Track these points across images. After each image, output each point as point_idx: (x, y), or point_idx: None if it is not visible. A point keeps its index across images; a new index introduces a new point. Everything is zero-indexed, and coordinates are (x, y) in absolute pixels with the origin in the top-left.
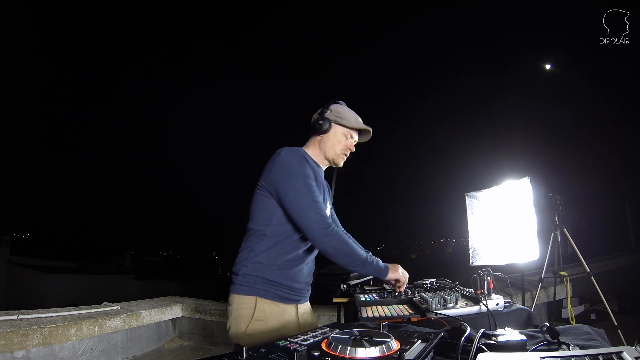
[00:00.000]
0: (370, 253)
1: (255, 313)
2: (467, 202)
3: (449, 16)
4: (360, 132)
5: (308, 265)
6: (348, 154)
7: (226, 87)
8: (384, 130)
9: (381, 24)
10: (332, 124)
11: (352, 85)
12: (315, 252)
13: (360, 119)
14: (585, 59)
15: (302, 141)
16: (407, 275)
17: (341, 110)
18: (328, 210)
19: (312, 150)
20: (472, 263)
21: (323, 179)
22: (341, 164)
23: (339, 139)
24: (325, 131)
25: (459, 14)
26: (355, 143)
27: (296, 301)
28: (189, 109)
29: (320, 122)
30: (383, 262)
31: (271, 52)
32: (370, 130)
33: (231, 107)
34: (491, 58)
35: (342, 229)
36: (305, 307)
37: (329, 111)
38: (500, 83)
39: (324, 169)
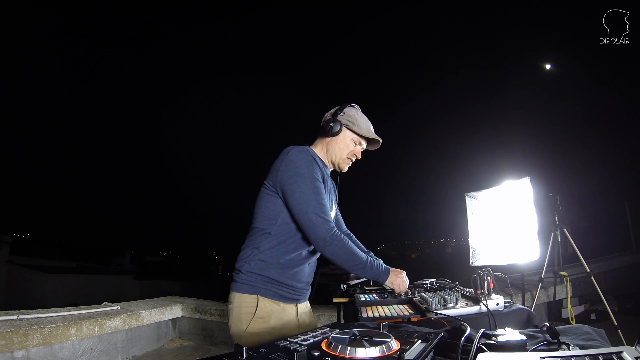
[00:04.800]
0: (372, 254)
1: (256, 311)
2: (467, 202)
3: (447, 6)
4: (369, 140)
5: (310, 265)
6: (354, 160)
7: (225, 86)
8: (384, 129)
9: (373, 12)
10: (343, 127)
11: (346, 79)
12: (319, 253)
13: (372, 127)
14: (586, 56)
15: (302, 141)
16: (406, 285)
17: (354, 115)
18: (333, 212)
19: (320, 150)
20: (472, 263)
21: (330, 179)
22: (345, 169)
23: (347, 144)
24: (335, 134)
25: (457, 3)
26: (362, 150)
27: (296, 300)
28: (189, 108)
29: (332, 124)
30: (386, 265)
31: (264, 47)
32: (380, 140)
33: (230, 107)
34: (490, 55)
35: (346, 228)
36: (304, 307)
37: (342, 114)
38: (500, 81)
39: (330, 169)
